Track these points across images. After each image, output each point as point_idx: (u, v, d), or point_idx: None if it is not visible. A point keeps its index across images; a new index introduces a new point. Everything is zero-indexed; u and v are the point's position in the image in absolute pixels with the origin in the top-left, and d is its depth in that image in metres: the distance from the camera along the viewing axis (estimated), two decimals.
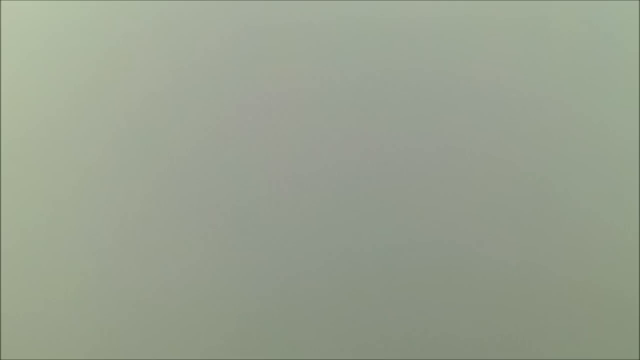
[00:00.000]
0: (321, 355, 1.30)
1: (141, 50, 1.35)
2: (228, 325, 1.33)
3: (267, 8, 1.35)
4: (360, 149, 1.31)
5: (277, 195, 1.33)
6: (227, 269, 1.34)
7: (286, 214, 1.32)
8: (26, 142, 1.35)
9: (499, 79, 1.30)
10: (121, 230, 1.33)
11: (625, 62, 1.31)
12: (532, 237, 1.30)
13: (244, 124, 1.35)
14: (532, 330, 1.30)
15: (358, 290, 1.29)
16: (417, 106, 1.29)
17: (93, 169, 1.34)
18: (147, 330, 1.32)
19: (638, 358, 1.28)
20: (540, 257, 1.30)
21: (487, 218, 1.29)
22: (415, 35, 1.30)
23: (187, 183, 1.35)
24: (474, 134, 1.31)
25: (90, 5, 1.35)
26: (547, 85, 1.30)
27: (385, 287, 1.29)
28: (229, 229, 1.33)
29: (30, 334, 1.31)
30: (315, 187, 1.32)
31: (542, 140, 1.30)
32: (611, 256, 1.30)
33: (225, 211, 1.34)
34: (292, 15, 1.35)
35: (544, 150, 1.30)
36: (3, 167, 1.32)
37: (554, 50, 1.30)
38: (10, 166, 1.34)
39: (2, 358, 1.31)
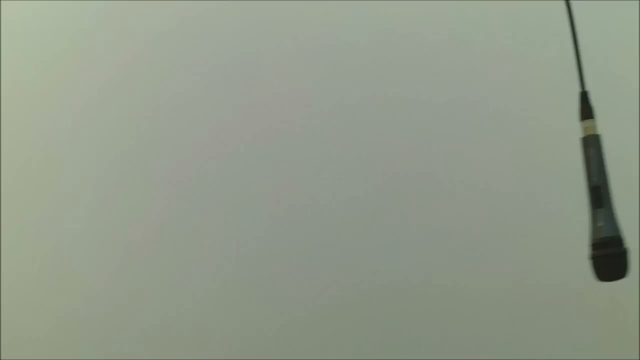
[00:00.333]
0: None
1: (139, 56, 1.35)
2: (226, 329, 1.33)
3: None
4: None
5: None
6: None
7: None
8: (26, 141, 1.33)
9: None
10: (120, 230, 1.34)
11: (625, 61, 1.31)
12: (532, 237, 1.31)
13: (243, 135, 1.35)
14: (532, 330, 1.30)
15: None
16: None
17: (92, 169, 1.34)
18: (146, 330, 1.31)
19: (638, 358, 1.27)
20: (540, 256, 1.31)
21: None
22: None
23: (185, 184, 1.35)
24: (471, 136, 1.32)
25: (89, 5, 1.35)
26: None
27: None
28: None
29: (31, 334, 1.31)
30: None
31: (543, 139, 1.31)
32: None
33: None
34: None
35: (543, 150, 1.32)
36: (3, 167, 1.33)
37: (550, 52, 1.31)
38: (10, 166, 1.33)
39: (2, 358, 1.30)
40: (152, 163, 1.35)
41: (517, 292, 1.30)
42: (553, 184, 1.31)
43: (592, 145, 0.84)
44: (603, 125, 1.26)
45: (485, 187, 1.32)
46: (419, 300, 1.30)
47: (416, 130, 1.33)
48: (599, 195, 0.83)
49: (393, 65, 1.34)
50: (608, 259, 0.82)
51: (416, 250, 1.31)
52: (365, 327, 1.31)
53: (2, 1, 1.34)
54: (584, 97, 0.85)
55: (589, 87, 1.26)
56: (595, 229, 0.83)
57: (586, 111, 0.84)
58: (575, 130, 1.32)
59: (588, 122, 0.84)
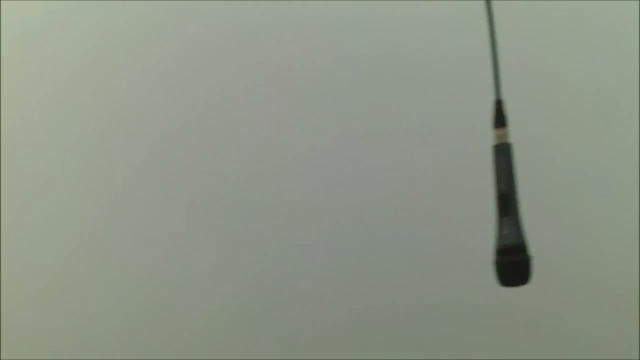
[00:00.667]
0: None
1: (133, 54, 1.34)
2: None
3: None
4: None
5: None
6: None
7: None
8: (25, 142, 1.35)
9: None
10: (120, 230, 1.35)
11: (625, 62, 1.31)
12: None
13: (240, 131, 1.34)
14: (532, 330, 1.32)
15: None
16: None
17: (90, 169, 1.35)
18: (145, 330, 1.33)
19: (638, 358, 1.28)
20: (539, 256, 1.31)
21: None
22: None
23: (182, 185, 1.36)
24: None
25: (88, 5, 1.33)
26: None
27: None
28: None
29: (31, 334, 1.34)
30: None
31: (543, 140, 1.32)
32: (611, 256, 1.31)
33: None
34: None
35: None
36: (3, 167, 1.35)
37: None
38: (9, 166, 1.35)
39: (2, 358, 1.32)
40: (151, 163, 1.36)
41: (517, 291, 1.30)
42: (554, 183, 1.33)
43: (502, 154, 0.85)
44: (603, 125, 1.30)
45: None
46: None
47: None
48: (506, 203, 0.84)
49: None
50: (511, 266, 0.84)
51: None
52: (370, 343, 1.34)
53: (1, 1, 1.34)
54: (499, 106, 0.86)
55: (590, 87, 1.29)
56: (500, 236, 0.84)
57: (499, 119, 0.86)
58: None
59: (500, 130, 0.85)
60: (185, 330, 1.34)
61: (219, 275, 1.34)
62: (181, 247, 1.34)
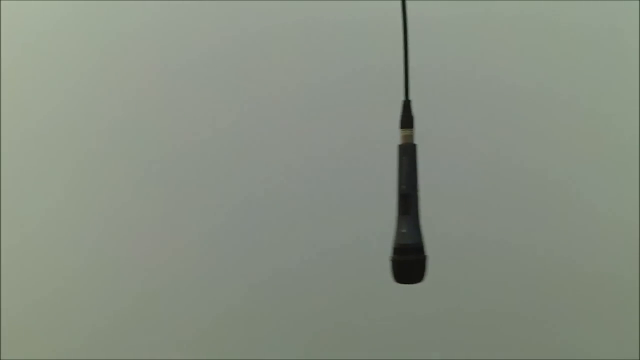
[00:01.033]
0: None
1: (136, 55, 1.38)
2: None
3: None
4: None
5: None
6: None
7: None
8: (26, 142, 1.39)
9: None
10: (119, 230, 1.37)
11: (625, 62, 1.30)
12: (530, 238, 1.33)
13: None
14: (532, 330, 1.33)
15: None
16: None
17: (90, 169, 1.38)
18: (144, 330, 1.37)
19: (638, 358, 1.28)
20: (538, 256, 1.32)
21: None
22: None
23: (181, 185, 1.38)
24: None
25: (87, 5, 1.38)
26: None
27: None
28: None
29: (30, 334, 1.37)
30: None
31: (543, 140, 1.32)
32: (611, 255, 1.31)
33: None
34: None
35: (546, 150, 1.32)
36: (3, 167, 1.38)
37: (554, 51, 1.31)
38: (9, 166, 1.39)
39: (2, 358, 1.36)
40: (156, 165, 1.38)
41: (517, 291, 1.32)
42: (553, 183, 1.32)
43: (407, 154, 0.86)
44: (603, 124, 1.30)
45: None
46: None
47: None
48: (407, 202, 0.85)
49: None
50: (406, 264, 0.85)
51: None
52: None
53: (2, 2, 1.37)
54: (406, 106, 0.87)
55: (591, 86, 1.28)
56: (398, 234, 0.85)
57: (406, 120, 0.86)
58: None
59: (407, 130, 0.86)
60: (189, 333, 1.36)
61: (224, 277, 1.36)
62: (185, 250, 1.37)
